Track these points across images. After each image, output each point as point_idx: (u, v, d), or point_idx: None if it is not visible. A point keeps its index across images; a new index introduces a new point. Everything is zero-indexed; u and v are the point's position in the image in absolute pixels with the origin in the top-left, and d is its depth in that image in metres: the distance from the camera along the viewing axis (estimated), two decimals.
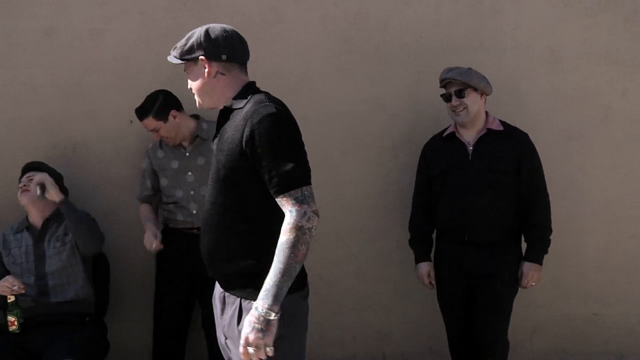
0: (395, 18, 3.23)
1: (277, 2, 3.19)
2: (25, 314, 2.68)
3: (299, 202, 1.75)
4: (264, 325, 1.71)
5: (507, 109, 3.18)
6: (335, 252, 3.27)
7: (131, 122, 3.18)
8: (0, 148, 3.20)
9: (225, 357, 2.03)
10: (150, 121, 2.88)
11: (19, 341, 2.65)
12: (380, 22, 3.22)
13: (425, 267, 2.93)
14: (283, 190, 1.76)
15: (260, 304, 1.72)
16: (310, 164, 3.20)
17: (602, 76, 3.29)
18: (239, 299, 1.88)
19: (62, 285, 2.77)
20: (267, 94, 1.91)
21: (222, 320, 1.95)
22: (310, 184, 1.80)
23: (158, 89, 3.02)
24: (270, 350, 1.73)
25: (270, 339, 1.72)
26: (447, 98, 2.83)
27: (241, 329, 1.80)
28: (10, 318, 2.63)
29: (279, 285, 1.72)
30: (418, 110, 3.25)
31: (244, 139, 1.78)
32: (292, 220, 1.73)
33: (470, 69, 2.81)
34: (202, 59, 1.89)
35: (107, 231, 3.09)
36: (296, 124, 1.87)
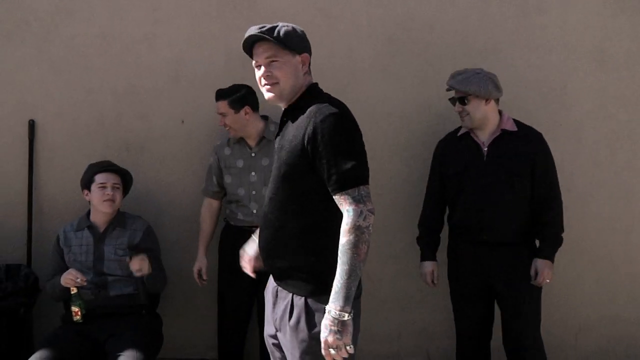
0: (440, 19, 3.24)
1: (324, 3, 3.25)
2: (87, 305, 2.79)
3: (356, 201, 1.77)
4: (340, 326, 1.75)
5: (554, 108, 3.17)
6: (381, 250, 3.31)
7: (182, 122, 3.28)
8: (60, 149, 3.34)
9: (268, 349, 2.08)
10: (223, 105, 2.94)
11: (84, 330, 2.76)
12: (426, 23, 3.25)
13: (430, 266, 2.96)
14: (341, 189, 1.78)
15: (333, 307, 1.76)
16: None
17: None
18: (290, 294, 1.91)
19: (120, 281, 2.87)
20: (329, 95, 1.94)
21: (274, 314, 1.99)
22: (367, 183, 1.82)
23: (207, 90, 3.11)
24: (350, 349, 1.77)
25: (348, 338, 1.76)
26: (452, 102, 2.86)
27: (293, 327, 1.87)
28: (74, 308, 2.74)
29: (347, 286, 1.75)
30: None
31: (306, 137, 1.82)
32: (350, 221, 1.76)
33: (477, 73, 2.77)
34: (304, 56, 1.93)
35: (160, 228, 3.19)
36: (357, 124, 1.88)
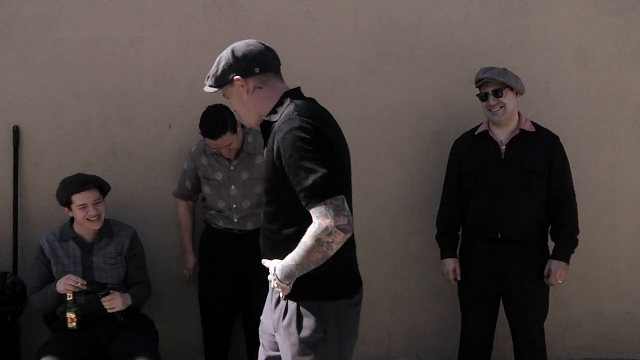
0: (426, 21, 3.28)
1: (311, 6, 3.25)
2: (82, 311, 2.74)
3: (323, 215, 1.72)
4: (277, 284, 1.87)
5: (538, 108, 3.23)
6: (369, 252, 3.32)
7: (169, 126, 3.27)
8: (46, 154, 3.31)
9: (260, 341, 2.11)
10: (229, 136, 2.82)
11: (80, 337, 2.73)
12: (412, 26, 3.28)
13: (452, 263, 2.98)
14: (309, 205, 1.75)
15: (277, 272, 1.85)
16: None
17: (633, 75, 3.32)
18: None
19: (114, 288, 2.82)
20: (297, 104, 1.87)
21: (273, 313, 2.00)
22: (337, 194, 1.73)
23: (194, 94, 3.10)
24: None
25: (284, 291, 1.87)
26: (483, 98, 2.88)
27: (285, 328, 1.90)
28: (70, 315, 2.70)
29: (291, 270, 1.82)
30: (449, 112, 3.31)
31: (274, 155, 1.83)
32: (313, 231, 1.74)
33: (505, 69, 2.86)
34: (237, 79, 1.90)
35: (145, 233, 3.18)
36: (324, 134, 1.81)
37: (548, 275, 2.81)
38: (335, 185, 1.74)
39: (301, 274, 1.80)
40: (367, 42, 3.27)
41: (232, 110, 2.03)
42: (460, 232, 3.05)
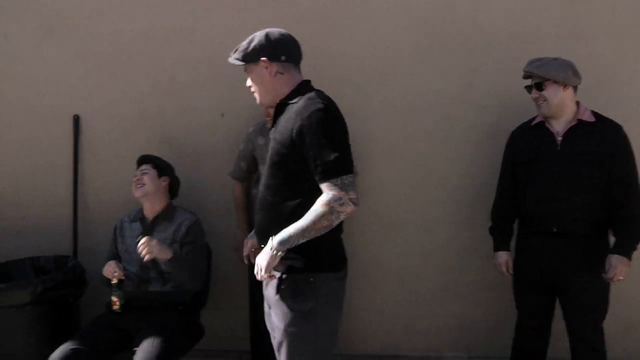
0: (483, 8, 3.17)
1: None
2: (126, 296, 2.84)
3: (337, 188, 1.92)
4: (268, 256, 1.96)
5: (601, 98, 3.07)
6: (421, 243, 3.29)
7: (222, 115, 3.31)
8: (103, 143, 3.41)
9: (268, 327, 2.20)
10: None
11: (119, 321, 2.82)
12: (467, 14, 3.18)
13: (504, 256, 2.91)
14: (325, 178, 1.93)
15: (274, 240, 1.95)
16: (395, 155, 3.23)
17: None
18: (279, 272, 2.05)
19: (162, 279, 2.90)
20: (318, 91, 2.07)
21: (266, 290, 2.15)
22: (351, 173, 1.96)
23: (246, 83, 3.11)
24: (267, 275, 1.98)
25: (271, 265, 1.97)
26: (528, 90, 2.80)
27: (279, 301, 2.04)
28: (113, 298, 2.81)
29: (291, 236, 1.94)
30: (505, 102, 3.19)
31: (295, 131, 1.96)
32: (327, 199, 1.92)
33: (555, 59, 2.73)
34: (263, 60, 2.07)
35: (203, 221, 3.22)
36: (342, 119, 2.02)
37: (607, 271, 2.70)
38: (349, 165, 1.97)
39: (299, 241, 1.94)
40: (421, 30, 3.20)
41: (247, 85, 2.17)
42: (515, 225, 2.97)
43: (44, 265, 3.34)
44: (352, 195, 1.93)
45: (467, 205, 3.28)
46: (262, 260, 1.98)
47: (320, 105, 1.96)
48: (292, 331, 2.02)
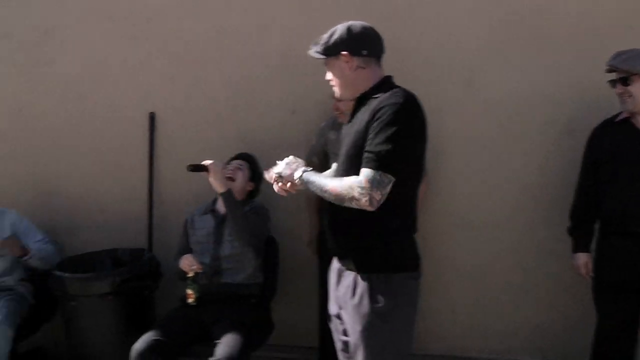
0: (558, 1, 3.07)
1: None
2: (201, 289, 2.90)
3: (369, 179, 1.85)
4: (290, 175, 2.09)
5: None
6: (493, 243, 3.21)
7: (293, 112, 3.33)
8: (178, 140, 3.50)
9: (332, 328, 2.19)
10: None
11: (194, 313, 2.88)
12: (542, 7, 3.08)
13: (583, 258, 2.81)
14: (365, 165, 1.87)
15: (306, 175, 2.04)
16: (469, 152, 3.14)
17: None
18: (353, 273, 2.01)
19: (234, 269, 2.95)
20: (403, 88, 2.00)
21: (337, 292, 2.11)
22: (390, 173, 1.85)
23: (318, 81, 3.09)
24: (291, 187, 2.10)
25: (290, 180, 2.10)
26: (612, 84, 2.68)
27: (355, 303, 1.98)
28: (189, 291, 2.87)
29: (315, 184, 2.00)
30: (583, 99, 3.07)
31: (368, 122, 1.92)
32: (354, 181, 1.88)
33: None
34: (344, 54, 2.03)
35: (273, 217, 3.25)
36: (419, 120, 1.94)
37: None
38: (395, 166, 1.86)
39: (314, 189, 2.00)
40: (494, 25, 3.12)
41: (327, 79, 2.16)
42: (595, 226, 2.85)
43: (121, 258, 3.45)
44: (376, 195, 1.84)
45: (544, 204, 3.18)
46: (285, 170, 2.10)
47: (400, 100, 1.91)
48: (370, 334, 1.97)
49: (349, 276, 2.03)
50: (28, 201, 3.67)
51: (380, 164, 1.85)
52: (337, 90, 2.14)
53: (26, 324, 3.15)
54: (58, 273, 3.06)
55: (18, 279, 3.28)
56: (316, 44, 2.13)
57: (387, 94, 1.94)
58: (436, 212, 3.18)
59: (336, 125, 3.03)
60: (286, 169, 2.12)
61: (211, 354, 2.59)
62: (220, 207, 3.03)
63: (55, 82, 3.62)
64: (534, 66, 3.11)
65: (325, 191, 1.95)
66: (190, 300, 2.88)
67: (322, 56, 2.10)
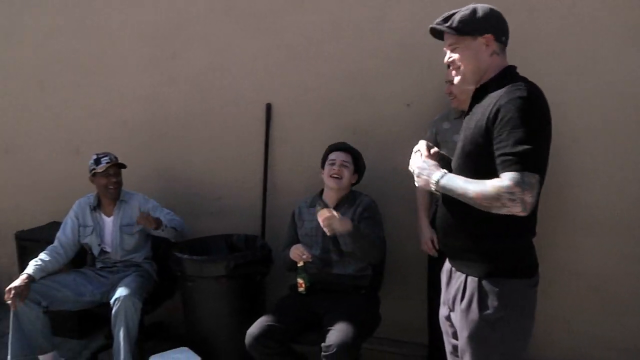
0: None
1: None
2: (311, 279, 2.95)
3: (516, 182, 1.71)
4: (422, 172, 1.95)
5: None
6: (621, 248, 2.98)
7: (408, 105, 3.29)
8: (292, 130, 3.57)
9: (443, 329, 2.13)
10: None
11: (306, 301, 2.94)
12: None
13: None
14: (506, 168, 1.73)
15: (444, 179, 1.88)
16: (593, 149, 2.93)
17: None
18: (464, 275, 1.93)
19: (344, 261, 2.97)
20: (524, 78, 1.88)
21: (447, 294, 2.04)
22: (535, 172, 1.72)
23: (434, 75, 3.06)
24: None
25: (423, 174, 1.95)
26: None
27: (464, 307, 1.90)
28: (299, 280, 2.93)
29: (453, 188, 1.84)
30: None
31: (490, 116, 1.79)
32: (500, 185, 1.72)
33: None
34: (487, 36, 1.89)
35: (382, 208, 3.23)
36: (546, 113, 1.80)
37: None
38: (538, 163, 1.75)
39: (453, 193, 1.84)
40: (626, 10, 2.86)
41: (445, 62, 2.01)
42: None
43: (236, 243, 3.60)
44: (528, 198, 1.70)
45: None
46: (418, 165, 1.98)
47: (524, 93, 1.76)
48: (478, 341, 1.89)
49: (459, 278, 1.96)
50: (153, 187, 3.92)
51: (523, 165, 1.71)
52: (460, 75, 1.97)
53: (151, 299, 3.38)
54: (177, 254, 3.25)
55: (144, 257, 3.55)
56: (446, 19, 1.94)
57: (509, 88, 1.81)
58: (553, 213, 3.01)
59: (450, 116, 2.99)
60: (420, 173, 1.97)
61: (321, 342, 2.63)
62: (328, 199, 3.06)
63: (180, 74, 3.83)
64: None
65: (470, 198, 1.79)
66: (301, 289, 2.93)
67: (451, 31, 1.92)
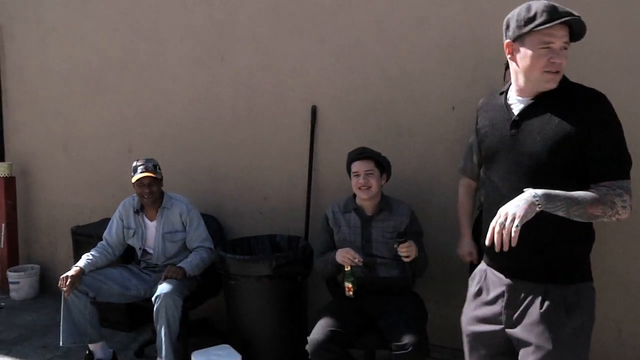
0: None
1: None
2: (358, 282, 2.90)
3: (626, 190, 1.76)
4: (525, 204, 1.66)
5: None
6: None
7: (453, 108, 3.24)
8: (336, 131, 3.58)
9: (469, 343, 2.01)
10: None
11: (356, 305, 2.92)
12: None
13: None
14: (610, 177, 1.76)
15: (540, 191, 1.68)
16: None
17: None
18: (537, 286, 1.85)
19: (389, 264, 2.95)
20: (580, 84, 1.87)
21: (493, 308, 1.92)
22: (629, 178, 1.79)
23: (479, 76, 3.01)
24: (514, 230, 1.63)
25: (526, 217, 1.65)
26: None
27: (542, 312, 1.80)
28: (348, 284, 2.88)
29: (558, 198, 1.68)
30: None
31: (581, 126, 1.75)
32: (614, 199, 1.72)
33: None
34: (506, 43, 1.92)
35: (424, 211, 3.21)
36: None
37: None
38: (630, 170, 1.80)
39: (558, 211, 1.69)
40: None
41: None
42: None
43: (279, 243, 3.64)
44: (632, 204, 1.78)
45: None
46: (515, 209, 1.65)
47: (607, 101, 1.78)
48: (565, 352, 1.77)
49: (532, 291, 1.85)
50: (200, 187, 4.02)
51: (626, 172, 1.79)
52: (561, 72, 1.83)
53: (193, 297, 3.45)
54: (221, 253, 3.31)
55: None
56: (573, 15, 1.78)
57: (582, 91, 1.82)
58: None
59: None
60: (510, 208, 1.68)
61: (378, 345, 2.66)
62: (364, 205, 3.02)
63: (227, 76, 3.90)
64: None
65: (579, 208, 1.70)
66: (349, 294, 2.88)
67: (584, 31, 1.82)
